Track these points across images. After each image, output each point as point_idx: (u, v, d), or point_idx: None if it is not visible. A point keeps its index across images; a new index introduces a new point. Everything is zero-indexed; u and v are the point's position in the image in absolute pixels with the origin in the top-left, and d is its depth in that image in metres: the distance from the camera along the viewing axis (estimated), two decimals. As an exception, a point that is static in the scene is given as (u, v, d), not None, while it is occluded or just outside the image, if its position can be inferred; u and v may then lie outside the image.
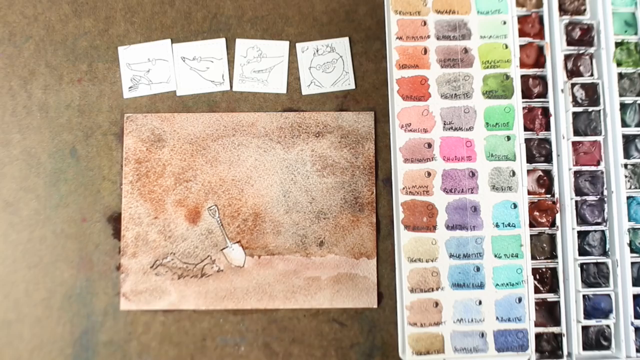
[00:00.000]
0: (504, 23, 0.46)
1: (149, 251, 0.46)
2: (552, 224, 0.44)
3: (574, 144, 0.45)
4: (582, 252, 0.44)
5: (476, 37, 0.46)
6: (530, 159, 0.45)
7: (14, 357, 0.45)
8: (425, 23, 0.46)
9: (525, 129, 0.45)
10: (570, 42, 0.46)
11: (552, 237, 0.45)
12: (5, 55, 0.48)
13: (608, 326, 0.43)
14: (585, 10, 0.46)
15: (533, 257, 0.44)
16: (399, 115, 0.45)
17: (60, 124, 0.47)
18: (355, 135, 0.47)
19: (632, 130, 0.45)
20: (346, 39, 0.48)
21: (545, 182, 0.45)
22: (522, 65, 0.46)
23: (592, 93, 0.46)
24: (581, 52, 0.46)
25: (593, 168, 0.45)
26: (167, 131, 0.47)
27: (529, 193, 0.45)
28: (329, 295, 0.46)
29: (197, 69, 0.48)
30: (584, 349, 0.43)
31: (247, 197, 0.47)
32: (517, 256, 0.44)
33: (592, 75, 0.46)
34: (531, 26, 0.46)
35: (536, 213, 0.45)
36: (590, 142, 0.45)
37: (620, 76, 0.46)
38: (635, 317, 0.43)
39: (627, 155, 0.45)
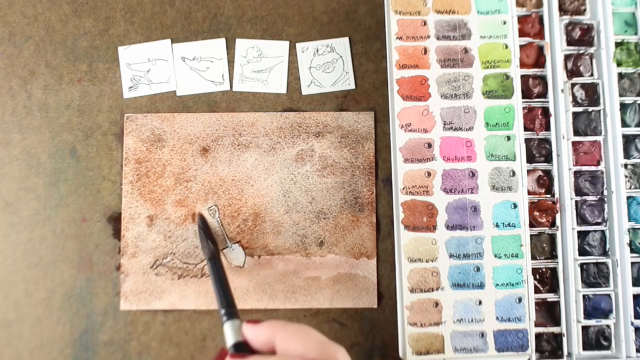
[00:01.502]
0: (504, 23, 0.46)
1: (149, 251, 0.46)
2: (552, 224, 0.44)
3: (574, 144, 0.45)
4: (582, 252, 0.44)
5: (476, 37, 0.46)
6: (530, 159, 0.45)
7: (14, 357, 0.45)
8: (425, 23, 0.46)
9: (525, 129, 0.45)
10: (570, 42, 0.46)
11: (552, 237, 0.45)
12: (5, 55, 0.48)
13: (608, 326, 0.43)
14: (585, 10, 0.46)
15: (533, 257, 0.44)
16: (399, 115, 0.45)
17: (60, 124, 0.47)
18: (355, 135, 0.47)
19: (632, 130, 0.45)
20: (346, 39, 0.48)
21: (545, 182, 0.45)
22: (522, 65, 0.46)
23: (592, 93, 0.45)
24: (581, 52, 0.46)
25: (593, 168, 0.45)
26: (167, 131, 0.47)
27: (529, 193, 0.45)
28: (329, 295, 0.46)
29: (197, 69, 0.48)
30: (584, 349, 0.43)
31: (247, 197, 0.47)
32: (517, 256, 0.43)
33: (592, 75, 0.46)
34: (531, 26, 0.46)
35: (536, 213, 0.45)
36: (590, 142, 0.45)
37: (620, 76, 0.46)
38: (635, 317, 0.43)
39: (627, 155, 0.45)
